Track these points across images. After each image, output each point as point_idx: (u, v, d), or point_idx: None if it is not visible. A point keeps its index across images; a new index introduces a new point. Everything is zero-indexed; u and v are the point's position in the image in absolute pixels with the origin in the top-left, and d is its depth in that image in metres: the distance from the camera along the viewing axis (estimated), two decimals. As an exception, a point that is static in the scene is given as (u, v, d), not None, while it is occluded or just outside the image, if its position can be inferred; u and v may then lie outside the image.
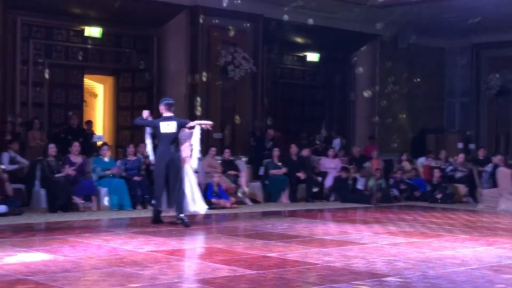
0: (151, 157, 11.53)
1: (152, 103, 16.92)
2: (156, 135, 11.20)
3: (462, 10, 17.90)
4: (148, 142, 11.47)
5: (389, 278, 6.93)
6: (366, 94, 20.50)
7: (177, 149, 11.07)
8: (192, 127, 11.20)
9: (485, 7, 17.42)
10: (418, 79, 22.02)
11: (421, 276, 7.09)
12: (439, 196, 16.41)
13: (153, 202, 11.52)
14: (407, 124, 21.76)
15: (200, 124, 11.29)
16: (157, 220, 11.14)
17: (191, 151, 11.30)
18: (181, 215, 10.91)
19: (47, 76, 16.21)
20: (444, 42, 22.38)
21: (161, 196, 11.03)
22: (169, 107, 11.16)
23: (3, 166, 12.62)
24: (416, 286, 6.59)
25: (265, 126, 17.92)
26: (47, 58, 16.27)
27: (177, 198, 10.98)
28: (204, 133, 14.59)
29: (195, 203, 11.28)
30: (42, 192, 12.87)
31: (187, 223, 10.82)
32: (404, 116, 21.66)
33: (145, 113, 11.41)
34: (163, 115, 11.17)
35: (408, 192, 16.93)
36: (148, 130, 11.42)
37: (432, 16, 18.71)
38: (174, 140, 11.03)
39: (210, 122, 11.68)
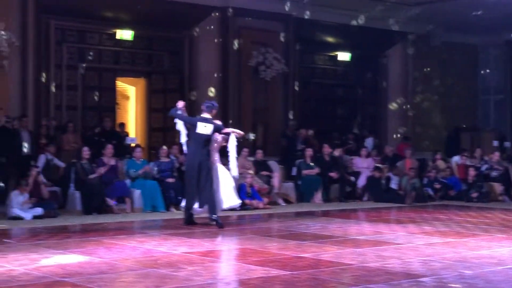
0: (184, 148, 11.49)
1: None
2: (190, 133, 11.21)
3: (495, 6, 17.69)
4: (183, 133, 11.39)
5: (425, 279, 6.86)
6: (393, 106, 20.44)
7: (209, 151, 11.10)
8: (226, 134, 11.23)
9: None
10: (452, 77, 21.81)
11: (457, 276, 7.01)
12: (474, 195, 16.23)
13: (182, 204, 11.52)
14: (441, 123, 21.56)
15: (233, 132, 11.30)
16: (189, 221, 11.15)
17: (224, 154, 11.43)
18: (214, 216, 10.91)
19: (80, 79, 16.37)
20: (478, 38, 22.12)
21: (192, 197, 11.03)
22: (210, 109, 11.18)
23: (38, 169, 12.74)
24: (452, 286, 6.52)
25: (296, 126, 17.86)
26: (80, 61, 16.43)
27: (209, 198, 10.96)
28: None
29: (229, 199, 11.25)
30: (77, 194, 12.99)
31: (221, 224, 10.83)
32: (438, 114, 21.46)
33: (180, 104, 11.30)
34: (202, 115, 11.20)
35: (443, 191, 16.76)
36: (180, 123, 11.37)
37: (464, 13, 18.50)
38: (208, 142, 11.05)
39: (242, 132, 11.68)
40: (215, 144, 11.28)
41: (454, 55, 21.75)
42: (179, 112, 11.22)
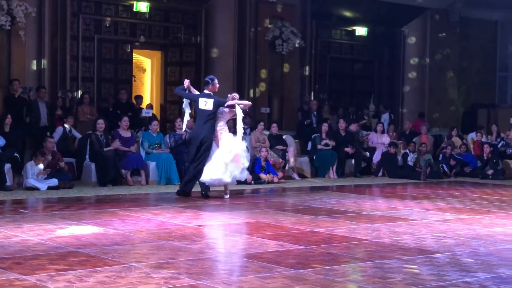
0: (183, 127, 11.96)
1: (200, 77, 16.96)
2: (196, 109, 11.39)
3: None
4: (186, 112, 11.54)
5: (438, 255, 6.85)
6: (412, 75, 20.25)
7: (212, 126, 11.10)
8: (231, 106, 11.18)
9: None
10: (470, 53, 21.61)
11: (471, 253, 6.99)
12: (490, 172, 16.15)
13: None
14: (458, 99, 21.41)
15: (238, 104, 11.23)
16: (205, 195, 11.21)
17: (233, 127, 11.42)
18: (184, 189, 11.23)
19: (96, 51, 16.39)
20: (497, 14, 21.88)
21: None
22: (207, 84, 11.29)
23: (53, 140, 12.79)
24: (466, 263, 6.51)
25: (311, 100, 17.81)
26: (96, 33, 16.42)
27: (191, 174, 11.21)
28: (251, 109, 14.64)
29: (212, 173, 11.03)
30: (92, 166, 13.04)
31: (185, 193, 11.23)
32: (455, 90, 21.31)
33: (186, 82, 11.51)
34: (204, 91, 11.25)
35: (458, 168, 16.69)
36: (186, 101, 11.55)
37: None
38: (211, 118, 11.08)
39: (248, 103, 11.68)
40: (223, 117, 11.24)
41: (473, 30, 21.53)
42: (184, 90, 11.46)
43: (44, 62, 14.53)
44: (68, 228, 8.02)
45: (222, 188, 11.34)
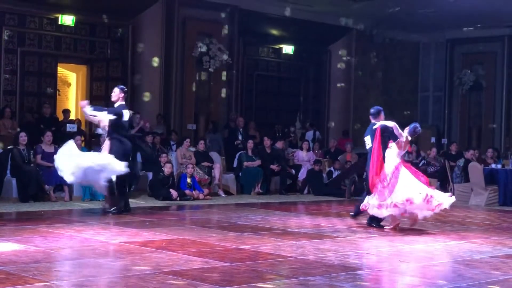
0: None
1: (127, 93, 16.81)
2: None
3: (436, 4, 18.01)
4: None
5: (361, 272, 6.95)
6: (335, 96, 20.64)
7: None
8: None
9: (458, 2, 17.54)
10: (393, 73, 22.14)
11: (392, 270, 7.12)
12: (411, 190, 16.48)
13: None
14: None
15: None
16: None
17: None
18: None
19: (19, 64, 16.05)
20: (419, 36, 22.53)
21: None
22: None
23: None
24: (387, 279, 6.62)
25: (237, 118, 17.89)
26: (19, 46, 16.08)
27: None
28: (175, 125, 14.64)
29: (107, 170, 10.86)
30: (13, 181, 12.72)
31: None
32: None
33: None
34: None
35: (381, 186, 16.96)
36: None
37: (406, 10, 18.78)
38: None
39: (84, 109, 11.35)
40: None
41: (396, 51, 22.09)
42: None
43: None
44: (-13, 245, 7.79)
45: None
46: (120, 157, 10.80)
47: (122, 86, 11.61)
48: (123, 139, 11.06)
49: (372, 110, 10.66)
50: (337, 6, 18.61)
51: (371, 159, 10.15)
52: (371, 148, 10.25)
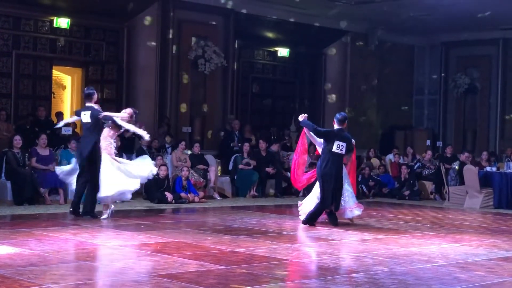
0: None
1: (122, 96, 16.83)
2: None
3: (431, 7, 18.04)
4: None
5: (357, 274, 6.95)
6: (331, 100, 20.64)
7: (94, 139, 10.92)
8: (108, 118, 11.04)
9: (452, 6, 17.58)
10: (388, 76, 22.17)
11: (388, 273, 7.13)
12: (406, 193, 16.54)
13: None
14: (376, 121, 21.89)
15: (116, 117, 11.10)
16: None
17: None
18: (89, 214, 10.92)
19: (14, 67, 16.02)
20: (414, 39, 22.57)
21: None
22: (85, 97, 11.35)
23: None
24: (383, 282, 6.63)
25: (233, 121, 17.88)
26: (14, 48, 16.06)
27: (85, 192, 11.01)
28: (171, 127, 14.61)
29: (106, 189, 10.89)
30: (8, 184, 12.69)
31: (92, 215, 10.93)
32: (374, 112, 21.79)
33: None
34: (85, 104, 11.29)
35: (377, 189, 17.02)
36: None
37: (401, 14, 18.81)
38: (91, 130, 10.99)
39: (124, 115, 11.17)
40: (110, 132, 11.10)
41: (391, 54, 22.12)
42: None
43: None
44: (-19, 249, 7.77)
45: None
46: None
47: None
48: None
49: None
50: (332, 9, 18.63)
51: None
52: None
